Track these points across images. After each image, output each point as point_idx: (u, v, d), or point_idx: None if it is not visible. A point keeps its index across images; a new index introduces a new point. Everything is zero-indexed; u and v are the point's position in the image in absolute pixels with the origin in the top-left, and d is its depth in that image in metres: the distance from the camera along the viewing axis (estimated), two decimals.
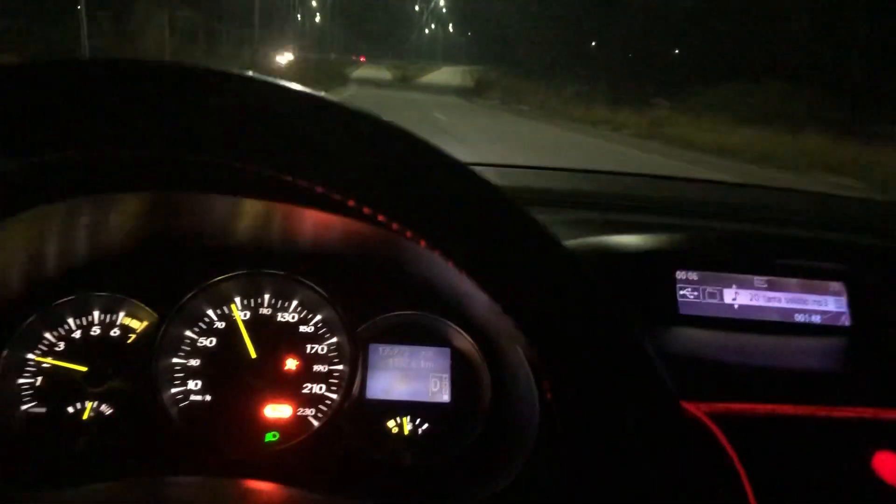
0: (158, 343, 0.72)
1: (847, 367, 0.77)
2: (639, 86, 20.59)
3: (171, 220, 0.70)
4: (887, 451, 0.60)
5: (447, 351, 0.79)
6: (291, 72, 22.42)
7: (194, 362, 0.75)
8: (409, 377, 0.78)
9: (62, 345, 0.74)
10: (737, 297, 0.83)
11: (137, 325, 0.76)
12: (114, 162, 0.54)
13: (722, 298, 0.82)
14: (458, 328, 0.78)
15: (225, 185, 0.58)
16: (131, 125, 0.31)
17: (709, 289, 0.82)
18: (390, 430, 0.75)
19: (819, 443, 0.62)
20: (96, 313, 0.76)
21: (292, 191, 0.57)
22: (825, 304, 0.83)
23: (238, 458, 0.70)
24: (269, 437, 0.72)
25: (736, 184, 1.17)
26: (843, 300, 0.84)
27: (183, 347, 0.75)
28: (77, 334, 0.75)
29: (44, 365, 0.73)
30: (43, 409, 0.71)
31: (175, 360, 0.74)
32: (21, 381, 0.72)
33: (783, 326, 0.82)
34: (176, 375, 0.74)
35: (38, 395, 0.72)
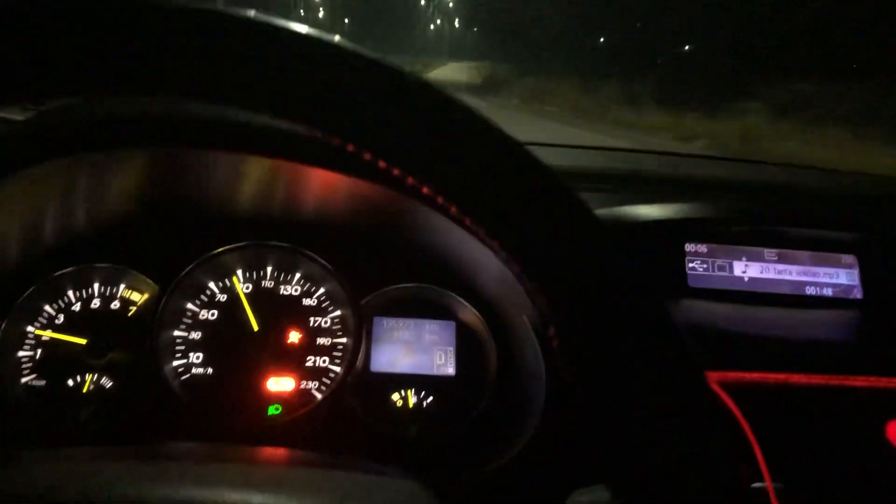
0: (160, 315, 0.72)
1: (860, 339, 0.76)
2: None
3: (172, 184, 0.69)
4: None
5: (452, 324, 0.78)
6: None
7: (196, 335, 0.74)
8: (414, 350, 0.77)
9: (62, 317, 0.73)
10: (747, 269, 0.81)
11: (138, 297, 0.75)
12: (119, 115, 0.53)
13: (732, 271, 0.81)
14: (463, 301, 0.77)
15: (231, 141, 0.56)
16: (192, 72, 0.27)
17: (718, 261, 0.81)
18: (395, 402, 0.74)
19: (832, 412, 0.61)
20: (96, 285, 0.75)
21: (299, 146, 0.55)
22: (837, 277, 0.82)
23: (241, 431, 0.69)
24: (272, 409, 0.71)
25: (750, 160, 1.14)
26: (855, 273, 0.82)
27: (184, 320, 0.74)
28: (77, 307, 0.74)
29: (43, 338, 0.72)
30: (43, 382, 0.71)
31: (176, 332, 0.74)
32: (21, 353, 0.71)
33: (794, 299, 0.80)
34: (177, 348, 0.73)
35: (37, 367, 0.71)
